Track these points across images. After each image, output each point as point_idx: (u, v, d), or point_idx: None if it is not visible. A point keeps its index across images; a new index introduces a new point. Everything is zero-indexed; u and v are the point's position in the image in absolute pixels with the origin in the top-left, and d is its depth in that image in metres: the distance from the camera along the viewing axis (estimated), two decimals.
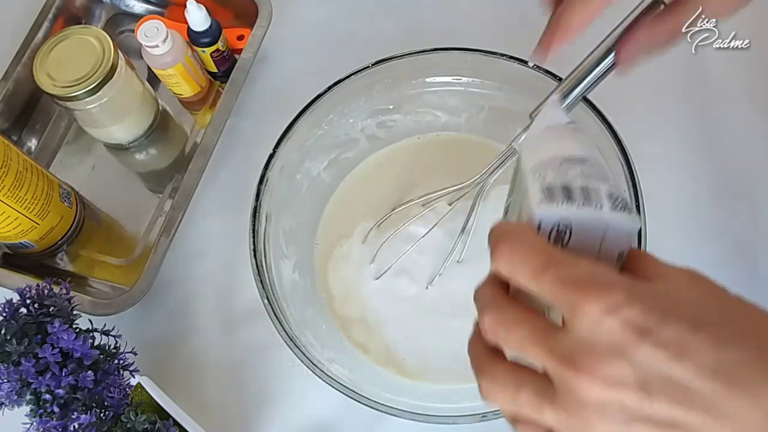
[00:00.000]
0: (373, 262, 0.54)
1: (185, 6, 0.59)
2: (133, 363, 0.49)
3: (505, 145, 0.45)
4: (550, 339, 0.25)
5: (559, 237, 0.28)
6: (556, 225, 0.28)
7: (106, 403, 0.45)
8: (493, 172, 0.45)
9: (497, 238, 0.28)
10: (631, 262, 0.28)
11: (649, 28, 0.35)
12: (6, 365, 0.43)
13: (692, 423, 0.23)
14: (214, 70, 0.65)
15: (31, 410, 0.44)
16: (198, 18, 0.59)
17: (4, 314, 0.45)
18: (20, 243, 0.57)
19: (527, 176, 0.30)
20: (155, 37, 0.58)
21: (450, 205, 0.51)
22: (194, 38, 0.61)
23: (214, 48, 0.62)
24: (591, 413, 0.24)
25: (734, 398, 0.23)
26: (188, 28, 0.61)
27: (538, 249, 0.27)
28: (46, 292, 0.47)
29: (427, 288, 0.53)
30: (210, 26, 0.61)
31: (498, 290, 0.28)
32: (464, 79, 0.54)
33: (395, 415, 0.43)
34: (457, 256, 0.52)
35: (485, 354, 0.28)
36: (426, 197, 0.51)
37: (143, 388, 0.49)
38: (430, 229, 0.52)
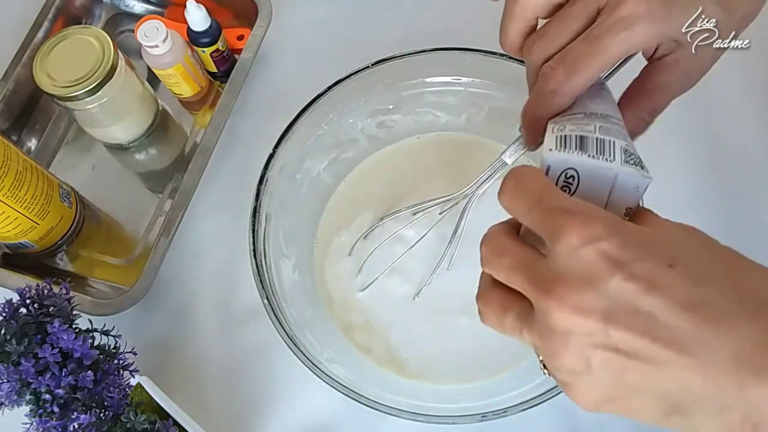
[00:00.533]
0: (360, 274, 0.54)
1: (185, 6, 0.59)
2: (132, 363, 0.49)
3: (506, 145, 0.45)
4: (531, 266, 0.26)
5: (567, 184, 0.29)
6: (564, 171, 0.29)
7: (105, 403, 0.45)
8: (481, 185, 0.45)
9: (507, 177, 0.28)
10: (632, 217, 0.29)
11: (632, 113, 0.36)
12: (6, 365, 0.43)
13: (655, 355, 0.23)
14: (214, 70, 0.65)
15: (31, 410, 0.44)
16: (198, 18, 0.59)
17: (4, 314, 0.45)
18: (20, 243, 0.57)
19: (548, 128, 0.31)
20: (155, 37, 0.58)
21: (440, 214, 0.51)
22: (194, 38, 0.61)
23: (213, 48, 0.62)
24: (558, 339, 0.25)
25: (702, 333, 0.23)
26: (188, 28, 0.61)
27: (537, 185, 0.27)
28: (45, 292, 0.47)
29: (414, 299, 0.53)
30: (210, 26, 0.61)
31: (502, 227, 0.29)
32: (464, 79, 0.54)
33: (395, 415, 0.43)
34: (446, 264, 0.51)
35: (487, 281, 0.29)
36: (416, 207, 0.51)
37: (143, 388, 0.49)
38: (419, 240, 0.52)
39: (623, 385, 0.25)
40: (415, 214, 0.52)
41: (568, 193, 0.29)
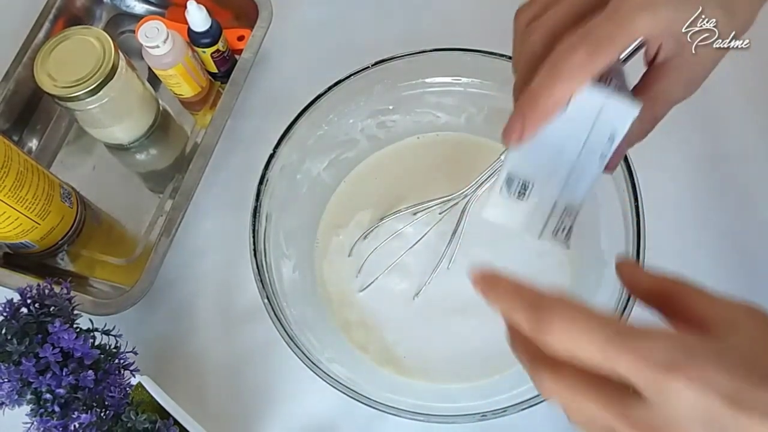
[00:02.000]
0: (360, 274, 0.54)
1: (185, 6, 0.59)
2: (133, 362, 0.49)
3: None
4: (628, 412, 0.24)
5: None
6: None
7: (106, 403, 0.46)
8: (481, 185, 0.45)
9: (542, 311, 0.25)
10: (682, 300, 0.27)
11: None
12: (7, 365, 0.43)
13: None
14: (215, 70, 0.65)
15: (32, 410, 0.44)
16: (198, 18, 0.59)
17: (5, 314, 0.45)
18: (21, 243, 0.57)
19: None
20: (156, 38, 0.58)
21: (440, 214, 0.51)
22: (195, 39, 0.61)
23: (214, 48, 0.62)
24: None
25: None
26: (189, 28, 0.61)
27: (600, 323, 0.24)
28: (46, 291, 0.47)
29: (413, 299, 0.53)
30: (210, 27, 0.61)
31: (577, 368, 0.26)
32: (464, 79, 0.54)
33: (395, 415, 0.43)
34: (445, 264, 0.51)
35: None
36: (415, 207, 0.51)
37: (144, 387, 0.49)
38: (419, 240, 0.52)
39: None
40: (415, 214, 0.52)
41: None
